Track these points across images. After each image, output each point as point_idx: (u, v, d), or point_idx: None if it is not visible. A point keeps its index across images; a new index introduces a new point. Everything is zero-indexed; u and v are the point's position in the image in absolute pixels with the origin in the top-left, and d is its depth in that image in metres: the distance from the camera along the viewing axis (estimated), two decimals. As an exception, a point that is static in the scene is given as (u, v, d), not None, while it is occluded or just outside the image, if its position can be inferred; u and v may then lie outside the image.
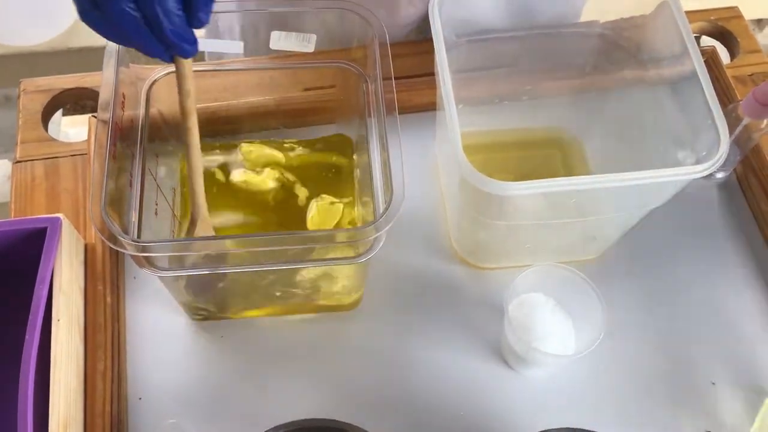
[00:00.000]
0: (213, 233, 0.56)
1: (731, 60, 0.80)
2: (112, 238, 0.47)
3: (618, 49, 0.62)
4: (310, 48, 0.54)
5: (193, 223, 0.54)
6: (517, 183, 0.46)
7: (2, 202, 1.34)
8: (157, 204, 0.59)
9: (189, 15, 0.45)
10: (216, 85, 0.69)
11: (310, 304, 0.63)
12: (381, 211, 0.52)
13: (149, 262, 0.51)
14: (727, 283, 0.66)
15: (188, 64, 0.49)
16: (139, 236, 0.54)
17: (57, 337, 0.55)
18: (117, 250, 0.64)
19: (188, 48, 0.46)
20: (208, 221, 0.54)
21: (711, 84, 0.51)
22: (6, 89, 1.19)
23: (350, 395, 0.60)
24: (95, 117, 0.69)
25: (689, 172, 0.48)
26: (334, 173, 0.68)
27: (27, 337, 0.53)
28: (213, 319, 0.63)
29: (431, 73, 0.75)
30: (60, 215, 0.58)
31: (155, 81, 0.60)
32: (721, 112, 0.50)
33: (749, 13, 0.82)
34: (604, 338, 0.54)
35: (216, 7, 0.53)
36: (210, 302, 0.61)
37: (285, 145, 0.69)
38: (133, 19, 0.42)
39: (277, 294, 0.61)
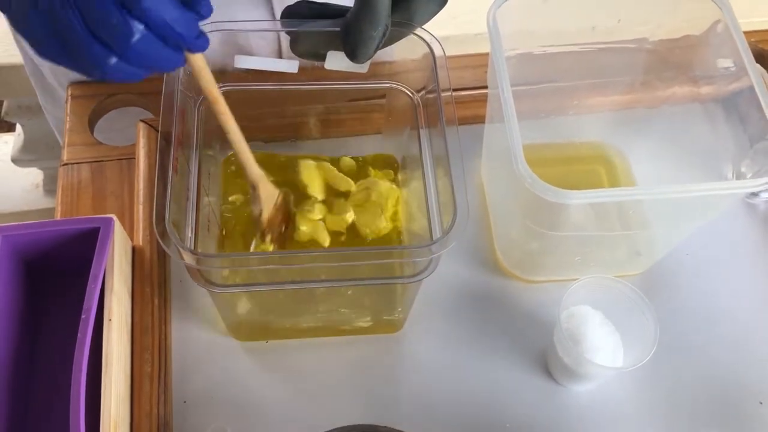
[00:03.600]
0: (275, 192, 0.56)
1: (771, 82, 0.80)
2: (177, 253, 0.47)
3: (668, 66, 0.62)
4: (364, 68, 0.55)
5: (254, 188, 0.54)
6: (583, 192, 0.46)
7: (29, 210, 1.34)
8: (209, 220, 0.59)
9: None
10: (263, 95, 0.69)
11: (357, 324, 0.62)
12: (437, 228, 0.52)
13: (204, 277, 0.51)
14: (774, 302, 0.65)
15: (201, 57, 0.46)
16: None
17: (108, 338, 0.54)
18: (165, 254, 0.64)
19: (202, 42, 0.43)
20: (266, 180, 0.55)
21: (770, 101, 0.51)
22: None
23: (395, 406, 0.60)
24: (144, 122, 0.70)
25: (751, 185, 0.48)
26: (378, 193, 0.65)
27: (79, 335, 0.53)
28: (256, 339, 0.63)
29: (471, 87, 0.77)
30: (113, 216, 0.58)
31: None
32: (781, 128, 0.50)
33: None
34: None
35: (277, 25, 0.53)
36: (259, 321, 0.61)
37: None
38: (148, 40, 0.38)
39: (323, 314, 0.61)
